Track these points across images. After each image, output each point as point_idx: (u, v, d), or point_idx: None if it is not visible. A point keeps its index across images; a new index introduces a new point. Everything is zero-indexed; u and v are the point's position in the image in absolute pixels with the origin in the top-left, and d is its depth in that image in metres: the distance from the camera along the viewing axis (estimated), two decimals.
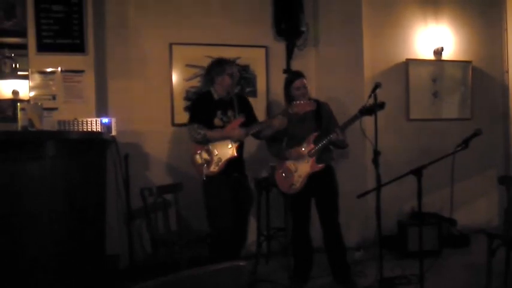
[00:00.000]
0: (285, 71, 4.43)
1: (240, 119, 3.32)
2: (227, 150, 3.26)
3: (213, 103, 3.36)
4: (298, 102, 3.20)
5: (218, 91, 3.38)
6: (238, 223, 3.38)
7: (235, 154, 3.25)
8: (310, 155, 3.34)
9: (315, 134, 3.34)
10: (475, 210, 5.08)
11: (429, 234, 4.09)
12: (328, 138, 3.27)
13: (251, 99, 3.75)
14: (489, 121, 5.13)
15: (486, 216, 5.09)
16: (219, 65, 3.41)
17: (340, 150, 3.58)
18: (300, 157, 3.36)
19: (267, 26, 4.48)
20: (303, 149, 3.36)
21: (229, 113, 3.36)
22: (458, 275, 3.70)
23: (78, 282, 2.77)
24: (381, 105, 3.11)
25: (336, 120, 3.47)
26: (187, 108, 4.21)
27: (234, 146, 3.26)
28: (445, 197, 3.88)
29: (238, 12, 4.41)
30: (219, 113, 3.33)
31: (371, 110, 3.10)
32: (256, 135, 3.47)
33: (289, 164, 3.42)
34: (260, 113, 3.86)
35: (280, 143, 3.53)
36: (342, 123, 3.31)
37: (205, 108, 3.34)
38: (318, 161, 3.33)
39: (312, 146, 3.33)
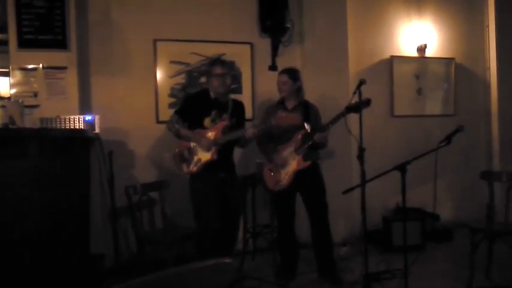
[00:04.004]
0: (270, 68, 4.43)
1: (224, 123, 3.31)
2: (207, 152, 3.26)
3: (208, 102, 3.36)
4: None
5: (212, 91, 3.39)
6: (227, 224, 3.35)
7: (214, 157, 3.24)
8: (297, 152, 3.35)
9: (303, 132, 3.35)
10: (458, 205, 5.16)
11: (413, 229, 4.15)
12: (312, 137, 3.29)
13: (236, 96, 3.74)
14: (471, 117, 5.21)
15: (469, 210, 5.16)
16: (209, 66, 3.44)
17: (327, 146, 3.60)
18: (285, 163, 3.38)
19: (252, 23, 4.47)
20: (290, 147, 3.38)
21: (224, 116, 3.36)
22: (442, 268, 3.75)
23: (62, 282, 2.73)
24: (367, 102, 3.12)
25: (322, 123, 3.49)
26: (172, 105, 4.20)
27: (214, 149, 3.25)
28: (429, 192, 3.94)
29: (222, 9, 4.39)
30: (213, 113, 3.33)
31: (357, 107, 3.12)
32: (236, 143, 3.45)
33: (277, 161, 3.43)
34: (246, 109, 3.84)
35: (268, 143, 3.54)
36: (327, 120, 3.33)
37: (199, 106, 3.35)
38: (305, 158, 3.35)
39: (300, 144, 3.34)
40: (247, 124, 3.60)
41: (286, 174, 3.39)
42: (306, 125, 3.33)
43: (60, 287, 2.72)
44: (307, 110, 3.49)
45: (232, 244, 3.50)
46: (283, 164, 3.40)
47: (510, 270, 3.54)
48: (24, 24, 3.68)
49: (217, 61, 3.44)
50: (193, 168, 3.28)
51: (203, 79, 4.27)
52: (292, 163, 3.37)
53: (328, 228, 3.49)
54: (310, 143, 3.30)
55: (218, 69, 3.33)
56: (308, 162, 3.35)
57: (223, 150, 3.30)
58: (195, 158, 3.29)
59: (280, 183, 3.41)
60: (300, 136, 3.36)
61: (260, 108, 4.30)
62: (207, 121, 3.32)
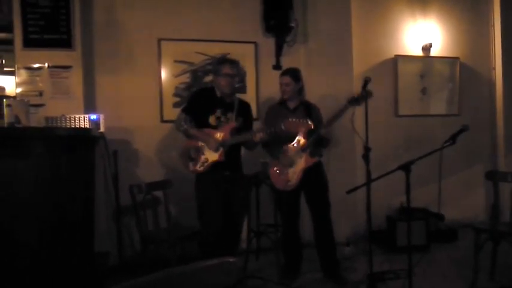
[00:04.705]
0: (274, 67, 4.43)
1: (233, 124, 3.29)
2: (215, 153, 3.24)
3: (214, 100, 3.34)
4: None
5: (218, 90, 3.37)
6: (229, 223, 3.33)
7: (222, 158, 3.22)
8: (303, 149, 3.35)
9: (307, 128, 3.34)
10: (463, 205, 5.13)
11: (417, 229, 4.14)
12: (317, 132, 3.29)
13: (240, 95, 3.74)
14: (476, 117, 5.19)
15: (473, 211, 5.15)
16: (217, 64, 3.41)
17: (330, 145, 3.59)
18: (292, 162, 3.37)
19: (256, 22, 4.46)
20: (295, 144, 3.38)
21: (229, 115, 3.33)
22: (446, 269, 3.74)
23: (66, 280, 2.74)
24: (369, 94, 3.11)
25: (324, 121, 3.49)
26: (177, 104, 4.20)
27: (221, 150, 3.23)
28: (433, 192, 3.91)
29: (227, 8, 4.39)
30: (218, 111, 3.30)
31: (358, 99, 3.11)
32: (244, 145, 3.45)
33: (284, 161, 3.42)
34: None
35: (273, 142, 3.52)
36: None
37: (204, 103, 3.33)
38: (312, 155, 3.35)
39: (305, 140, 3.34)
40: (254, 125, 3.60)
41: (294, 174, 3.38)
42: (309, 121, 3.33)
43: (64, 285, 2.73)
44: (308, 111, 3.48)
45: (236, 244, 3.49)
46: (291, 163, 3.39)
47: None
48: (29, 24, 3.69)
49: (227, 60, 3.39)
50: (199, 167, 3.25)
51: (207, 78, 4.28)
52: (300, 161, 3.37)
53: (331, 226, 3.49)
54: (314, 137, 3.30)
55: (227, 69, 3.28)
56: (316, 158, 3.35)
57: (231, 151, 3.29)
58: (202, 158, 3.26)
59: (289, 183, 3.39)
60: (305, 131, 3.35)
61: (264, 107, 4.29)
62: (211, 119, 3.30)
